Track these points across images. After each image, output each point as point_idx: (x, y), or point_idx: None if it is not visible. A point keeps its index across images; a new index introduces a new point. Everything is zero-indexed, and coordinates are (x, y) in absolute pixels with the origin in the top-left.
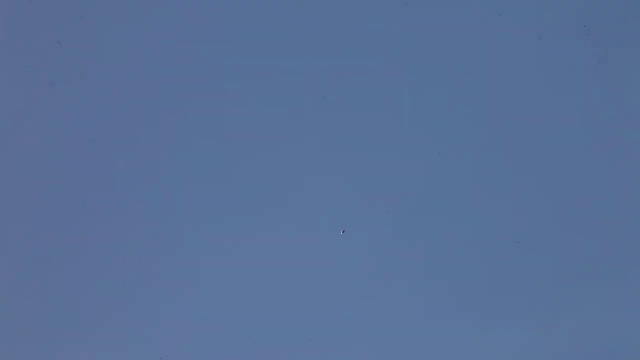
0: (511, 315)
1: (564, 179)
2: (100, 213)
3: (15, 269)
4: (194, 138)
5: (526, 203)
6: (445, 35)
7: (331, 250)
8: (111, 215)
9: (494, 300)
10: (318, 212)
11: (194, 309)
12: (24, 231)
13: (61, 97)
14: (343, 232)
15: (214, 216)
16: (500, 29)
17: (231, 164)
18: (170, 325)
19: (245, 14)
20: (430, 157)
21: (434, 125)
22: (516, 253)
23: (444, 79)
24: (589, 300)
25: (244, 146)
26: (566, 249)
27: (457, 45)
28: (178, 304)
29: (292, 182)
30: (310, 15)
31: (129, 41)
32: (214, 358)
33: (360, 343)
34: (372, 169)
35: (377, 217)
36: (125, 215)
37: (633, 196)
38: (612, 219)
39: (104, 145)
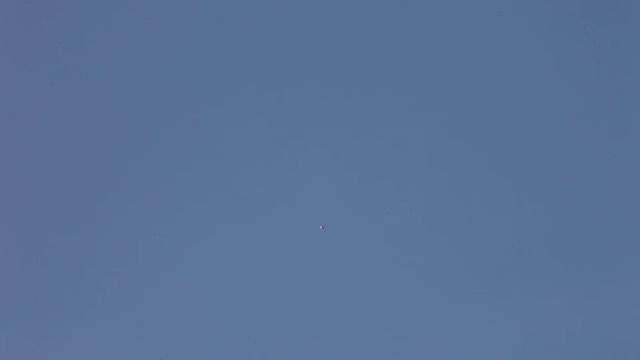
0: (508, 312)
1: (564, 178)
2: (101, 213)
3: (15, 268)
4: (194, 138)
5: (526, 203)
6: (445, 35)
7: (332, 251)
8: (111, 215)
9: (493, 299)
10: (318, 212)
11: (194, 309)
12: (24, 231)
13: (61, 97)
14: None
15: (214, 216)
16: (500, 29)
17: (231, 164)
18: (170, 325)
19: (245, 15)
20: (430, 157)
21: (433, 125)
22: (516, 252)
23: (444, 80)
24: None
25: (244, 146)
26: (564, 248)
27: (457, 45)
28: (178, 304)
29: (292, 182)
30: (310, 14)
31: (128, 42)
32: (214, 358)
33: (361, 344)
34: (372, 169)
35: (377, 217)
36: (125, 216)
37: (633, 195)
38: (610, 219)
39: (104, 145)
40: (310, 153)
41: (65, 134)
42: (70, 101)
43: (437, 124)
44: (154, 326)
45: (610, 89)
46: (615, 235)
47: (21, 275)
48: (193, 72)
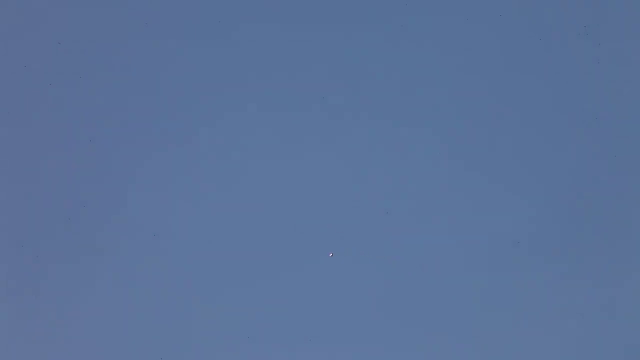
0: (503, 323)
1: (563, 178)
2: (100, 213)
3: (15, 269)
4: (195, 138)
5: (525, 205)
6: (444, 35)
7: (332, 250)
8: (111, 215)
9: (492, 304)
10: (318, 212)
11: (194, 309)
12: (24, 231)
13: (61, 97)
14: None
15: (214, 216)
16: (500, 29)
17: (231, 164)
18: (170, 325)
19: (246, 15)
20: (430, 158)
21: (433, 125)
22: (513, 255)
23: (443, 80)
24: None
25: (243, 146)
26: (563, 249)
27: (456, 45)
28: (178, 304)
29: (291, 181)
30: (310, 13)
31: (128, 41)
32: (214, 358)
33: (361, 345)
34: (372, 169)
35: (377, 217)
36: (125, 215)
37: (633, 196)
38: (609, 220)
39: (104, 145)
40: (310, 152)
41: (65, 134)
42: (70, 101)
43: (437, 124)
44: (154, 326)
45: (610, 89)
46: (614, 236)
47: (21, 275)
48: (194, 72)
